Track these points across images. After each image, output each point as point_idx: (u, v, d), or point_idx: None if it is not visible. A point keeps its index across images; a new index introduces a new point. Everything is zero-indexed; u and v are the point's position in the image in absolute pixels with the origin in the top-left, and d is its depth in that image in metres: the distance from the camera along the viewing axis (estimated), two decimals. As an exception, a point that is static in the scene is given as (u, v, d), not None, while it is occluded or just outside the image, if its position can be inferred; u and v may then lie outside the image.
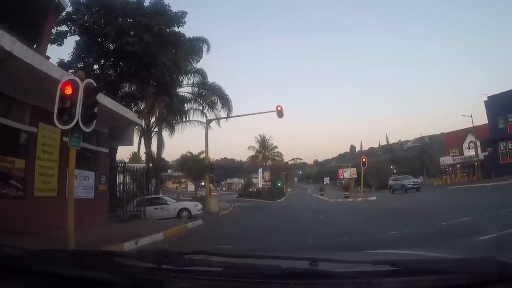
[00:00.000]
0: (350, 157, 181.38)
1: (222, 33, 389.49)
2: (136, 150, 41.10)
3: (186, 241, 13.21)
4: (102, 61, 22.55)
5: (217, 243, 11.38)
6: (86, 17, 21.22)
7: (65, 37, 21.56)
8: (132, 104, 25.67)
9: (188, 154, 66.09)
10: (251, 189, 79.79)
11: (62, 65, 19.62)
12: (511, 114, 47.80)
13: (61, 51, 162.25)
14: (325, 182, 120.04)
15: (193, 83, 34.86)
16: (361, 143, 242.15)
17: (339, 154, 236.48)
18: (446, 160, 67.98)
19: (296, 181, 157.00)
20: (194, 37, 31.10)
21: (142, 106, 29.37)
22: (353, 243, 9.45)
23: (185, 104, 34.87)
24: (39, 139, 12.30)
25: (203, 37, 32.41)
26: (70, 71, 17.24)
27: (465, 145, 61.03)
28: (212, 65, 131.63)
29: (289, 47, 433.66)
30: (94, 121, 8.31)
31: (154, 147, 33.34)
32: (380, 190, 63.37)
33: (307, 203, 41.41)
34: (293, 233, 13.15)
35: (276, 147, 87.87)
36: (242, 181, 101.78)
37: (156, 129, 33.47)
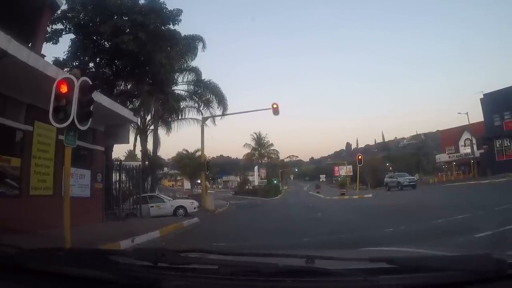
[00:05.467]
0: (346, 155, 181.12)
1: (217, 30, 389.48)
2: (132, 148, 41.01)
3: (182, 239, 13.21)
4: (97, 59, 22.46)
5: (213, 241, 11.37)
6: (81, 15, 21.12)
7: (60, 35, 21.46)
8: (128, 102, 25.61)
9: (184, 152, 65.92)
10: (247, 187, 79.85)
11: (58, 63, 19.51)
12: (507, 112, 47.86)
13: (57, 49, 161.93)
14: (321, 180, 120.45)
15: (188, 81, 34.83)
16: (357, 141, 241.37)
17: (335, 152, 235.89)
18: (442, 157, 67.98)
19: (292, 178, 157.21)
20: (189, 35, 31.08)
21: (138, 104, 29.34)
22: (349, 240, 9.46)
23: (181, 102, 34.78)
24: (35, 138, 12.28)
25: (198, 35, 32.36)
26: (66, 69, 17.10)
27: (461, 142, 61.08)
28: (207, 63, 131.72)
29: (284, 45, 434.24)
30: (90, 119, 8.29)
31: (150, 145, 33.28)
32: (376, 187, 63.60)
33: (303, 200, 41.50)
34: (289, 231, 13.20)
35: (272, 144, 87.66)
36: (238, 179, 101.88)
37: (152, 127, 33.41)
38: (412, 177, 50.10)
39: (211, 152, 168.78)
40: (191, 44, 31.56)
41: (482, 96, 52.15)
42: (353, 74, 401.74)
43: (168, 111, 33.17)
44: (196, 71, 34.35)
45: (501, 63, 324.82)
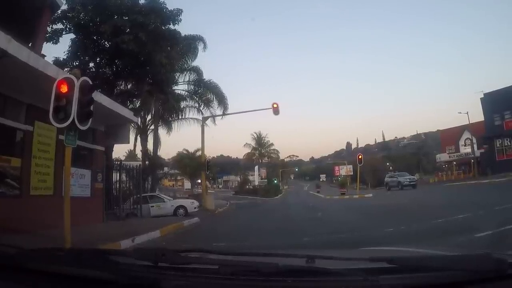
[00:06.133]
0: (346, 154, 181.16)
1: (217, 30, 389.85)
2: (132, 148, 41.04)
3: (183, 239, 13.21)
4: (97, 59, 22.44)
5: (213, 241, 11.38)
6: (81, 15, 21.10)
7: (61, 35, 21.45)
8: (128, 102, 25.58)
9: (184, 152, 65.89)
10: (247, 187, 79.85)
11: (58, 63, 19.50)
12: (507, 111, 47.82)
13: (57, 49, 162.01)
14: (321, 179, 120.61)
15: (189, 81, 34.85)
16: (357, 140, 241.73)
17: (335, 151, 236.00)
18: (442, 157, 67.95)
19: (292, 178, 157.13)
20: (190, 35, 31.11)
21: (138, 104, 29.33)
22: (350, 240, 9.45)
23: (181, 102, 34.82)
24: (35, 138, 12.27)
25: (199, 35, 32.41)
26: (66, 69, 17.09)
27: (461, 142, 61.10)
28: (207, 63, 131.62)
29: (284, 45, 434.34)
30: (90, 119, 8.28)
31: (150, 145, 33.28)
32: (376, 187, 63.55)
33: (304, 200, 41.49)
34: (290, 231, 13.20)
35: (272, 144, 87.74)
36: (239, 179, 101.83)
37: (152, 127, 33.40)
38: (413, 176, 50.01)
39: (211, 152, 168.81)
40: (191, 44, 31.59)
41: (482, 96, 52.15)
42: (353, 74, 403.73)
43: (168, 111, 33.18)
44: (197, 70, 34.39)
45: (501, 63, 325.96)
